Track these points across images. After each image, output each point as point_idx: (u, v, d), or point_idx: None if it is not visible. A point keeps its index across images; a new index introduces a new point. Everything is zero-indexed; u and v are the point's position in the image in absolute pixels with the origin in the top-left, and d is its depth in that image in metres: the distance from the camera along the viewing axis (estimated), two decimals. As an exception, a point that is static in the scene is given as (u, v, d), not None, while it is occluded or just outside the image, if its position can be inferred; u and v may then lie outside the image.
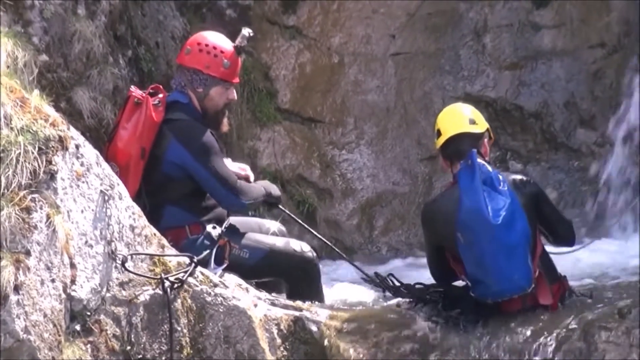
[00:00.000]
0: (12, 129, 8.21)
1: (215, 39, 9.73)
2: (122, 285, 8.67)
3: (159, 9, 12.14)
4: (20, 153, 8.16)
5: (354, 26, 13.20)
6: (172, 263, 9.07)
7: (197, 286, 9.07)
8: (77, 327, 8.51)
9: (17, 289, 8.02)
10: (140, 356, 8.86)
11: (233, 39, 9.90)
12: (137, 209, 9.13)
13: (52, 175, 8.33)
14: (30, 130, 8.26)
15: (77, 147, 8.60)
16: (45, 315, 8.21)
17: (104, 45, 9.90)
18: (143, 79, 11.56)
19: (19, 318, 8.01)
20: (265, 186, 10.13)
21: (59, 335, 8.34)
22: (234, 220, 10.01)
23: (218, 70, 9.54)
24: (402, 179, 13.04)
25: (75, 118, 9.22)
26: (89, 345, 8.54)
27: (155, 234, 9.22)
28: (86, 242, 8.59)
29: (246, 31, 9.80)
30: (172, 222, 9.66)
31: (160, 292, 8.82)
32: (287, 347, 9.29)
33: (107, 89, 9.81)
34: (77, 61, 9.56)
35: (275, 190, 10.15)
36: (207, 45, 9.55)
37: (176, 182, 9.60)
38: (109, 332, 8.63)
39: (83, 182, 8.62)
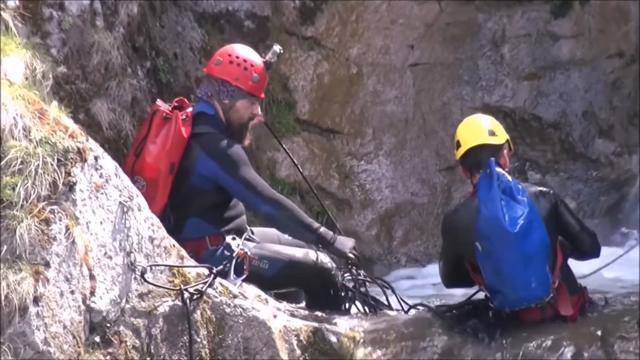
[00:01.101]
0: (30, 140, 8.20)
1: (246, 52, 9.73)
2: (141, 296, 8.67)
3: (177, 20, 12.17)
4: (39, 165, 8.16)
5: (373, 37, 13.21)
6: (191, 274, 9.05)
7: (216, 297, 9.06)
8: (97, 339, 8.48)
9: (36, 300, 8.01)
10: None
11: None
12: (156, 220, 9.14)
13: (71, 187, 8.32)
14: (49, 142, 8.25)
15: (95, 158, 8.57)
16: (64, 327, 8.19)
17: (122, 57, 9.88)
18: (162, 90, 11.59)
19: (39, 330, 7.98)
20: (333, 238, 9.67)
21: (79, 347, 8.33)
22: (254, 230, 10.00)
23: (246, 84, 9.52)
24: (421, 189, 13.05)
25: (94, 129, 9.19)
26: (108, 357, 8.53)
27: (174, 245, 9.22)
28: (105, 253, 8.58)
29: (277, 47, 9.76)
30: (193, 233, 9.64)
31: (180, 304, 8.81)
32: (307, 358, 9.27)
33: (125, 100, 9.78)
34: (95, 72, 9.53)
35: (344, 246, 9.58)
36: (237, 57, 9.55)
37: (203, 194, 9.61)
38: (128, 343, 8.61)
39: (102, 193, 8.60)
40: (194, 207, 9.68)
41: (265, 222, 9.93)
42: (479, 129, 9.32)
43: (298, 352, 9.23)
